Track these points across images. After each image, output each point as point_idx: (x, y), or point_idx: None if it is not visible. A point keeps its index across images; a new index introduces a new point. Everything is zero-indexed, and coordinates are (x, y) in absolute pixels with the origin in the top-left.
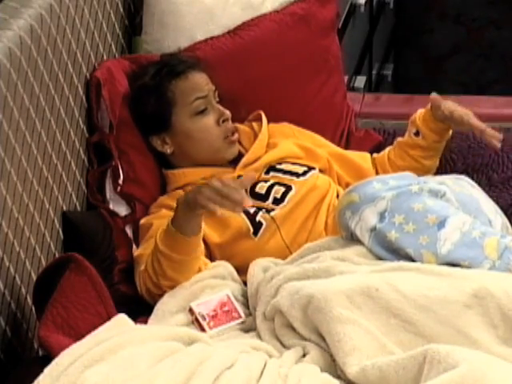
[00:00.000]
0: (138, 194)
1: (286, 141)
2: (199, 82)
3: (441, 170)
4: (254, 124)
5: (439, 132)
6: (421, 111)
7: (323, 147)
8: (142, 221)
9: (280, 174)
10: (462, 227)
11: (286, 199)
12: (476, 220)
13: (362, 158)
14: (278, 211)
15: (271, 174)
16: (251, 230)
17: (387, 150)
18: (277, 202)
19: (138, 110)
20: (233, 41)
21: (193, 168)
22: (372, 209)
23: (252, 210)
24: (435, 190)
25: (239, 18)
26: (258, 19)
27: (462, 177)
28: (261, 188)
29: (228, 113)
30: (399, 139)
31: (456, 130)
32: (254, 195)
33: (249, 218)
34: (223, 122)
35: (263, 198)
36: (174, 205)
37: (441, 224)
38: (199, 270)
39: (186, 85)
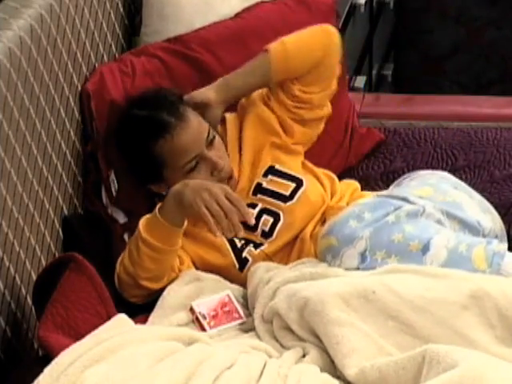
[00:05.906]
0: (131, 205)
1: (264, 151)
2: (187, 143)
3: (442, 166)
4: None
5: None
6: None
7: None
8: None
9: (267, 198)
10: (447, 244)
11: (275, 233)
12: (459, 233)
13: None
14: (266, 246)
15: (258, 195)
16: (237, 265)
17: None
18: (265, 235)
19: (129, 164)
20: (235, 23)
21: None
22: (352, 251)
23: (239, 244)
24: (414, 212)
25: (238, 9)
26: (258, 4)
27: (446, 175)
28: None
29: (221, 163)
30: None
31: (458, 127)
32: (243, 224)
33: (235, 253)
34: (218, 172)
35: (252, 228)
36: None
37: (425, 248)
38: (173, 271)
39: (173, 148)
